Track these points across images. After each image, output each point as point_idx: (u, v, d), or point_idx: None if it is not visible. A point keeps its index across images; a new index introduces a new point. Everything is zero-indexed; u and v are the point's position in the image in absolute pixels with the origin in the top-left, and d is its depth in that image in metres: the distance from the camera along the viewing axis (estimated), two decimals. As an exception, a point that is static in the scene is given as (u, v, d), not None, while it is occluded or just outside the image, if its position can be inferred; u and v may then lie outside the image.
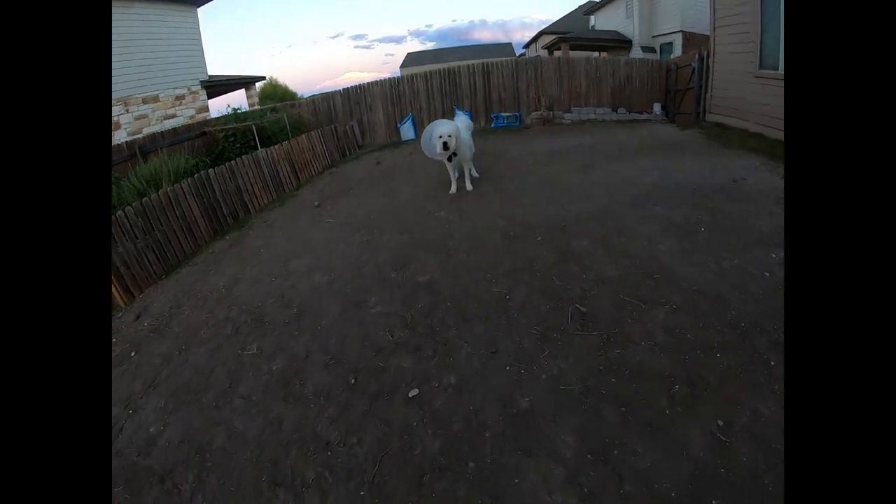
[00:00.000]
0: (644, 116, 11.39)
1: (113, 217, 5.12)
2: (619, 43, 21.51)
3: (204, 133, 10.44)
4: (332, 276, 4.46)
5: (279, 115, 11.42)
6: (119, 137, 10.44)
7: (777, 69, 7.21)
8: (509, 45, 37.48)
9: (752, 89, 7.94)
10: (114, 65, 9.97)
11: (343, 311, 3.82)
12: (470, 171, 6.57)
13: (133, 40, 11.31)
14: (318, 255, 5.05)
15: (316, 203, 7.28)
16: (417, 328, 3.38)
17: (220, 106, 20.91)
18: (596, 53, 20.10)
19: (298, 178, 9.06)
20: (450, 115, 11.28)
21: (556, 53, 20.05)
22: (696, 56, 9.98)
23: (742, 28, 8.09)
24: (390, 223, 5.60)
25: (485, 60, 12.33)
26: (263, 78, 18.41)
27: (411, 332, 3.34)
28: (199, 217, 6.45)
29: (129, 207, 5.37)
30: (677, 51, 17.93)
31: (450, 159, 6.10)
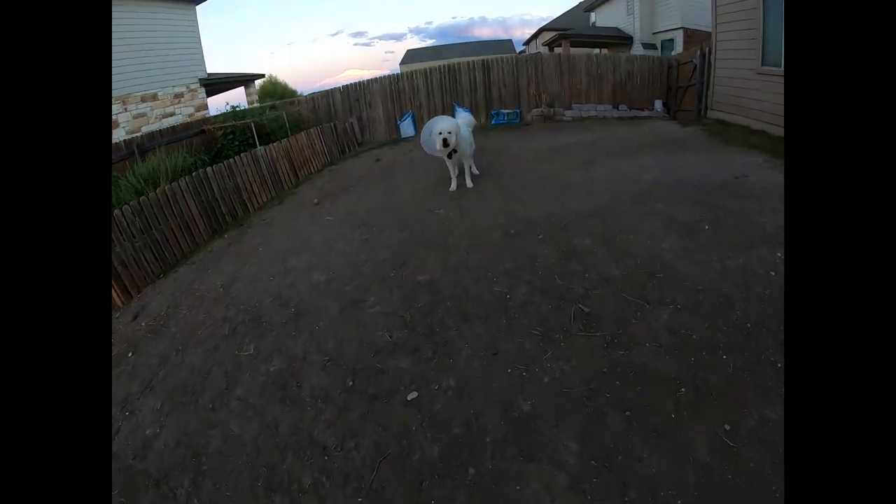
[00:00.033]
0: (645, 113, 11.32)
1: (109, 216, 5.07)
2: (619, 40, 21.42)
3: (202, 131, 10.38)
4: (331, 275, 4.41)
5: (278, 113, 11.36)
6: (117, 136, 10.39)
7: (779, 66, 7.13)
8: (509, 41, 37.37)
9: (755, 86, 7.87)
10: (112, 63, 9.90)
11: (341, 310, 3.76)
12: (470, 167, 6.50)
13: (131, 38, 11.24)
14: (317, 254, 5.00)
15: (315, 201, 7.22)
16: (417, 328, 3.32)
17: (219, 104, 20.76)
18: (596, 50, 20.05)
19: (297, 175, 9.00)
20: (450, 111, 11.23)
21: (557, 50, 19.94)
22: (698, 53, 9.90)
23: (744, 25, 8.02)
24: (390, 221, 5.54)
25: (485, 57, 12.25)
26: (263, 76, 18.34)
27: (410, 333, 3.28)
28: (198, 216, 6.39)
29: (126, 206, 5.32)
30: (678, 47, 17.86)
31: (450, 156, 6.04)
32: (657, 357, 2.63)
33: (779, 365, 2.43)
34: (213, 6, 20.78)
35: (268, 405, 2.90)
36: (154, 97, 12.08)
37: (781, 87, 6.90)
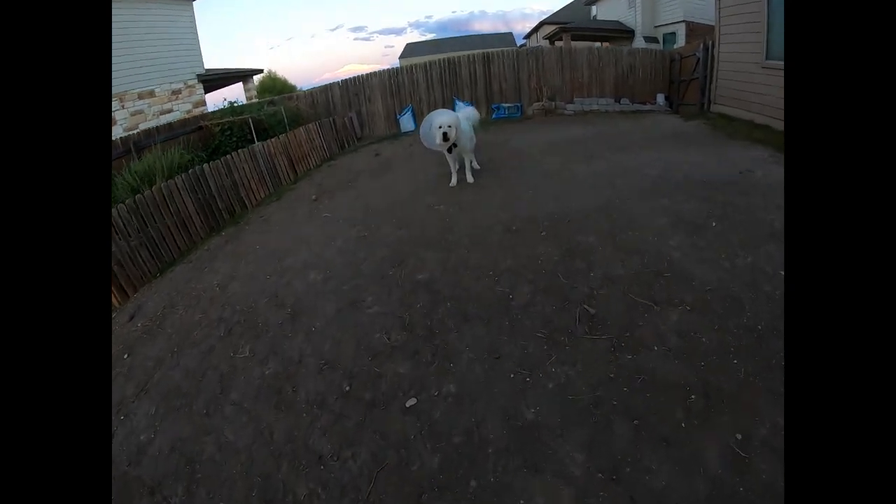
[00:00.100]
0: (647, 107, 11.20)
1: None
2: (621, 33, 21.26)
3: (200, 127, 10.27)
4: (328, 274, 4.31)
5: (276, 108, 11.23)
6: (114, 134, 10.24)
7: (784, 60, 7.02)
8: (510, 34, 37.09)
9: (759, 80, 7.75)
10: (108, 58, 9.78)
11: (338, 311, 3.67)
12: (471, 162, 6.40)
13: (128, 34, 11.10)
14: (315, 252, 4.90)
15: (313, 197, 7.12)
16: (416, 330, 3.23)
17: (217, 100, 20.72)
18: (598, 44, 19.87)
19: (296, 171, 8.90)
20: (450, 105, 11.11)
21: (558, 44, 19.79)
22: (701, 46, 9.78)
23: (748, 18, 7.89)
24: (389, 217, 5.44)
25: (485, 50, 12.13)
26: (261, 71, 18.17)
27: (409, 335, 3.19)
28: (194, 213, 6.29)
29: (121, 205, 5.22)
30: (680, 41, 17.71)
31: (450, 150, 5.93)
32: (666, 362, 2.54)
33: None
34: (210, 1, 20.60)
35: (262, 411, 2.82)
36: (151, 94, 11.95)
37: (787, 81, 6.79)
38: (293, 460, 2.43)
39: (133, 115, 11.38)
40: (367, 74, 12.45)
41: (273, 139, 8.52)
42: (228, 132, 10.05)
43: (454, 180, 6.21)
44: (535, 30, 31.50)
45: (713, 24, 9.33)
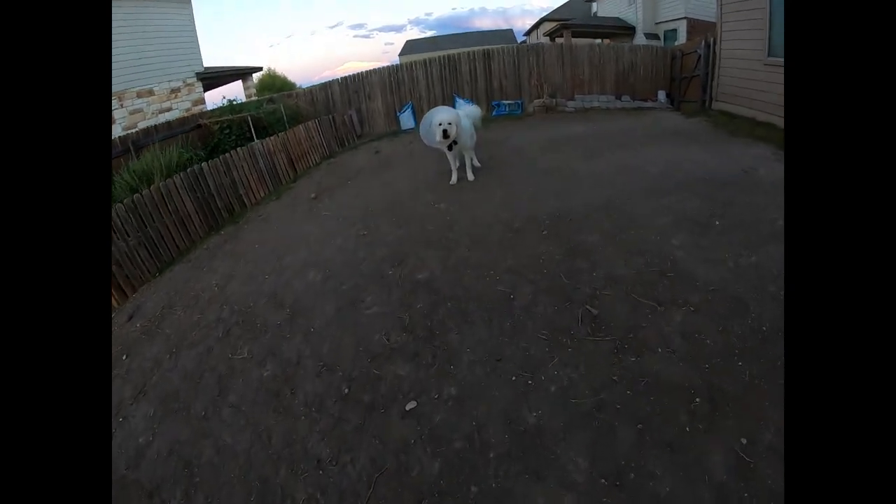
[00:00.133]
0: (649, 104, 11.14)
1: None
2: (621, 30, 21.15)
3: (199, 126, 10.22)
4: (327, 273, 4.28)
5: (276, 106, 11.17)
6: (114, 132, 10.20)
7: (787, 56, 6.97)
8: (510, 31, 36.99)
9: (761, 77, 7.68)
10: (106, 56, 9.73)
11: (337, 311, 3.64)
12: (471, 160, 6.36)
13: (127, 33, 11.04)
14: (314, 251, 4.86)
15: (312, 195, 7.07)
16: (416, 331, 3.19)
17: (216, 98, 20.60)
18: (599, 40, 19.79)
19: (295, 169, 8.85)
20: (450, 102, 11.05)
21: (558, 41, 19.70)
22: (703, 43, 9.70)
23: (750, 14, 7.83)
24: (388, 216, 5.40)
25: (486, 47, 12.06)
26: (261, 69, 18.09)
27: (409, 336, 3.16)
28: (193, 212, 6.26)
29: (119, 205, 5.19)
30: (682, 38, 17.61)
31: (450, 148, 5.88)
32: (670, 364, 2.50)
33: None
34: (209, -2, 20.51)
35: (260, 414, 2.79)
36: (150, 92, 11.89)
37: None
38: (291, 464, 2.40)
39: (132, 113, 11.33)
40: (366, 72, 12.37)
41: (272, 137, 8.47)
42: (227, 130, 10.00)
43: (454, 178, 6.16)
44: (536, 26, 31.44)
45: (714, 20, 9.25)
